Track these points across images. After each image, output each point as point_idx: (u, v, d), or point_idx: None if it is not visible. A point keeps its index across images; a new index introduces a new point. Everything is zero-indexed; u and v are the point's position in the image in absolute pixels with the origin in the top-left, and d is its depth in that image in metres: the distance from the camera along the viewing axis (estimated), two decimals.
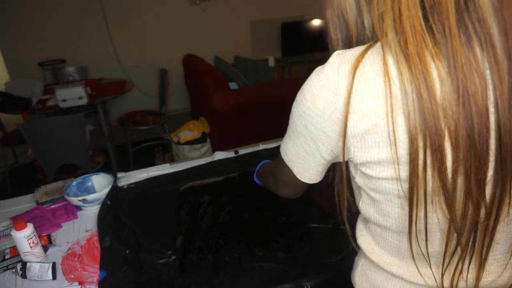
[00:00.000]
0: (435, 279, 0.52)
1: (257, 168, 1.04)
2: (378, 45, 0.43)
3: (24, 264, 0.86)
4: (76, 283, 0.84)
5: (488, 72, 0.39)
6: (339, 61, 0.45)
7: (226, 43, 4.46)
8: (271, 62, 3.76)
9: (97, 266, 0.88)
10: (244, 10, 4.49)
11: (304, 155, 0.54)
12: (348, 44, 0.51)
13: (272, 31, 4.66)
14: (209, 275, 0.83)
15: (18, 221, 0.86)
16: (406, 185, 0.44)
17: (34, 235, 0.89)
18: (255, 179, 1.04)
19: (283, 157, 0.59)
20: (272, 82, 3.53)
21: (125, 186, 1.23)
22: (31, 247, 0.88)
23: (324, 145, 0.50)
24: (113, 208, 1.10)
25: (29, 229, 0.87)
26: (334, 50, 0.48)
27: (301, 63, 4.58)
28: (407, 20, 0.40)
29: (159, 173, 1.31)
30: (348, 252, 0.88)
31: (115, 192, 1.17)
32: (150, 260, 0.89)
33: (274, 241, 0.91)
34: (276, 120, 3.03)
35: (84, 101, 2.56)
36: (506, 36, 0.39)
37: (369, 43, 0.45)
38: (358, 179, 0.52)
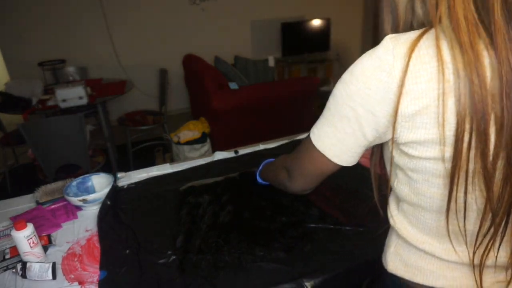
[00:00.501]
0: (468, 256, 0.54)
1: (260, 168, 1.03)
2: (432, 31, 0.46)
3: (24, 264, 0.86)
4: (76, 283, 0.84)
5: None
6: (393, 43, 0.47)
7: (226, 43, 4.46)
8: (271, 62, 3.75)
9: (97, 266, 0.88)
10: (244, 10, 4.49)
11: (344, 138, 0.54)
12: (395, 27, 0.54)
13: (272, 31, 4.66)
14: (209, 275, 0.83)
15: (18, 221, 0.86)
16: (449, 165, 0.47)
17: (34, 235, 0.88)
18: (258, 178, 1.04)
19: (315, 142, 0.58)
20: (272, 82, 3.53)
21: (125, 186, 1.23)
22: (31, 247, 0.88)
23: (369, 126, 0.51)
24: (113, 208, 1.10)
25: (29, 229, 0.87)
26: (383, 31, 0.53)
27: (301, 63, 4.58)
28: (461, 10, 0.43)
29: (159, 173, 1.31)
30: (348, 252, 0.88)
31: (115, 192, 1.17)
32: (150, 260, 0.89)
33: (274, 241, 0.91)
34: (276, 120, 3.05)
35: (84, 101, 2.56)
36: None
37: (424, 29, 0.47)
38: (398, 159, 0.54)
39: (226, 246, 0.90)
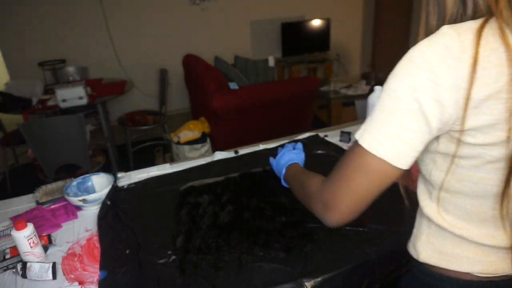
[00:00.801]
0: (506, 240, 0.57)
1: (283, 171, 1.00)
2: (492, 21, 0.48)
3: (24, 264, 0.86)
4: (76, 283, 0.84)
5: None
6: (457, 31, 0.48)
7: (226, 43, 4.46)
8: (271, 62, 3.75)
9: (97, 266, 0.88)
10: (244, 10, 4.49)
11: (407, 136, 0.51)
12: (441, 20, 0.54)
13: (272, 31, 4.66)
14: (209, 275, 0.83)
15: (18, 221, 0.86)
16: (510, 150, 0.49)
17: (34, 235, 0.89)
18: (283, 182, 1.04)
19: (371, 149, 0.53)
20: (272, 82, 3.53)
21: (125, 186, 1.23)
22: (31, 247, 0.88)
23: (435, 117, 0.50)
24: (113, 208, 1.10)
25: (29, 229, 0.87)
26: (428, 23, 0.54)
27: (301, 63, 4.58)
28: None
29: (159, 173, 1.31)
30: (348, 252, 0.88)
31: (115, 192, 1.17)
32: (150, 260, 0.89)
33: (274, 241, 0.91)
34: (276, 120, 3.04)
35: (84, 101, 2.57)
36: None
37: (484, 18, 0.49)
38: (443, 147, 0.54)
39: (226, 246, 0.90)
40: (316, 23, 4.59)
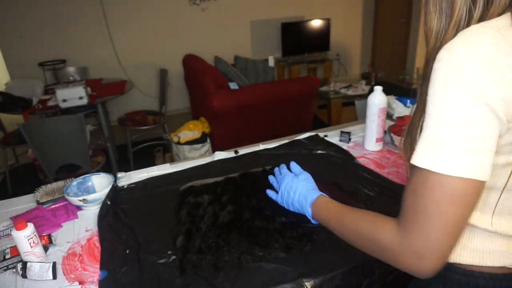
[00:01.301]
0: None
1: (310, 211, 0.82)
2: None
3: (24, 264, 0.86)
4: (77, 283, 0.84)
5: None
6: (491, 28, 0.49)
7: (226, 43, 4.46)
8: (271, 62, 3.76)
9: (98, 266, 0.89)
10: (244, 10, 4.50)
11: (484, 145, 0.48)
12: (447, 23, 0.53)
13: (272, 31, 4.67)
14: (209, 275, 0.83)
15: (19, 221, 0.86)
16: None
17: (35, 235, 0.89)
18: (313, 221, 0.85)
19: (452, 172, 0.47)
20: (272, 82, 3.53)
21: (125, 186, 1.23)
22: (31, 247, 0.88)
23: (505, 116, 0.48)
24: (113, 208, 1.10)
25: (30, 229, 0.88)
26: (428, 23, 0.54)
27: (301, 63, 4.58)
28: None
29: (159, 173, 1.32)
30: (348, 252, 0.88)
31: (115, 192, 1.17)
32: (150, 260, 0.89)
33: (274, 241, 0.91)
34: (276, 120, 3.04)
35: (84, 101, 2.57)
36: None
37: (507, 14, 0.50)
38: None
39: (226, 246, 0.90)
40: (316, 23, 4.59)
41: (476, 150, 0.47)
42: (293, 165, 0.98)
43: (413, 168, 0.52)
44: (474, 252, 0.60)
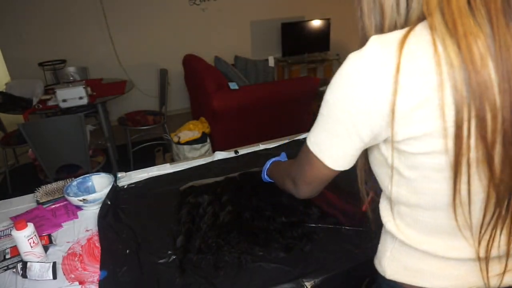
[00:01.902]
0: (470, 250, 0.54)
1: (267, 166, 1.04)
2: (419, 27, 0.47)
3: (24, 263, 0.86)
4: (77, 283, 0.84)
5: None
6: (381, 43, 0.48)
7: (226, 43, 4.46)
8: (271, 62, 3.75)
9: (98, 266, 0.89)
10: (244, 10, 4.49)
11: (340, 142, 0.55)
12: (379, 30, 0.54)
13: (272, 31, 4.66)
14: (209, 275, 0.83)
15: (19, 221, 0.86)
16: (451, 157, 0.47)
17: (35, 235, 0.89)
18: (264, 176, 1.05)
19: (312, 149, 0.59)
20: (272, 82, 3.53)
21: (125, 186, 1.24)
22: (31, 246, 0.88)
23: (364, 127, 0.51)
24: (113, 208, 1.10)
25: (30, 229, 0.88)
26: (365, 36, 0.53)
27: (301, 63, 4.58)
28: (455, 3, 0.45)
29: (159, 173, 1.32)
30: (348, 252, 0.88)
31: (115, 192, 1.17)
32: (150, 260, 0.89)
33: (274, 241, 0.91)
34: (276, 120, 3.04)
35: (84, 101, 2.57)
36: None
37: (409, 27, 0.48)
38: (391, 159, 0.54)
39: (226, 246, 0.90)
40: (316, 23, 4.59)
41: (330, 142, 0.56)
42: (283, 155, 1.12)
43: None
44: (408, 271, 0.61)
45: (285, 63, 4.60)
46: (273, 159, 1.06)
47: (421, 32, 0.47)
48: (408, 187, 0.54)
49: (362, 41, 0.53)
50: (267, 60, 3.69)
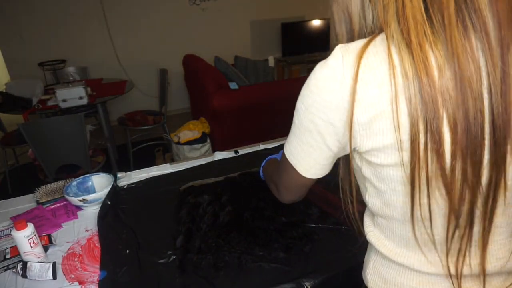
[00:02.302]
0: (442, 266, 0.53)
1: (263, 164, 1.04)
2: (380, 37, 0.46)
3: (24, 263, 0.86)
4: (77, 283, 0.84)
5: (482, 59, 0.42)
6: (343, 52, 0.47)
7: (226, 43, 4.46)
8: (271, 62, 3.75)
9: (97, 266, 0.89)
10: (244, 10, 4.49)
11: (310, 151, 0.55)
12: (351, 38, 0.54)
13: (272, 31, 4.66)
14: (209, 275, 0.83)
15: (19, 221, 0.86)
16: (408, 170, 0.46)
17: (35, 235, 0.89)
18: (261, 174, 1.05)
19: (287, 156, 0.59)
20: (272, 82, 3.53)
21: (125, 186, 1.23)
22: (31, 247, 0.88)
23: (331, 137, 0.51)
24: (113, 208, 1.10)
25: (30, 229, 0.88)
26: (337, 44, 0.50)
27: (301, 63, 4.58)
28: (410, 11, 0.43)
29: (159, 173, 1.32)
30: (348, 252, 0.88)
31: (115, 192, 1.17)
32: (150, 260, 0.89)
33: (274, 241, 0.91)
34: (276, 120, 3.03)
35: (84, 101, 2.57)
36: (500, 25, 0.42)
37: (371, 36, 0.47)
38: (364, 170, 0.53)
39: (226, 246, 0.90)
40: (316, 23, 4.59)
41: (302, 151, 0.56)
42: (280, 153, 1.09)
43: None
44: (387, 284, 0.60)
45: (285, 63, 4.60)
46: (271, 156, 1.05)
47: (381, 42, 0.45)
48: (381, 199, 0.53)
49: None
50: (267, 60, 3.69)
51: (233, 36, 4.55)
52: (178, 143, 2.66)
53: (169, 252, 0.91)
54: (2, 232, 1.03)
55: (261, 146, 1.47)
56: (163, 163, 1.40)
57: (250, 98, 2.76)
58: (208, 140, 2.74)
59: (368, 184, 0.55)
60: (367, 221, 0.63)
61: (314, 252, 0.88)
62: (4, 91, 2.73)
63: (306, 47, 4.68)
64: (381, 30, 0.47)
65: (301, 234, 0.93)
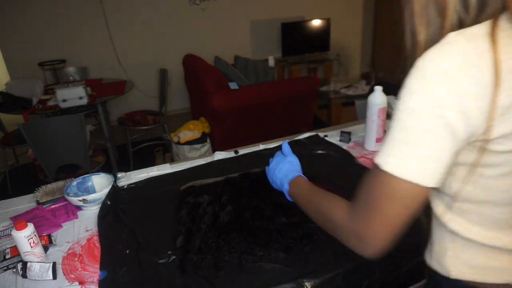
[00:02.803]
0: None
1: (286, 187, 0.90)
2: (502, 22, 0.46)
3: (24, 264, 0.86)
4: (77, 283, 0.84)
5: None
6: (467, 38, 0.46)
7: (226, 43, 4.46)
8: (271, 62, 3.76)
9: (97, 266, 0.89)
10: (244, 10, 4.50)
11: (433, 154, 0.49)
12: (433, 40, 0.50)
13: (272, 31, 4.67)
14: (209, 275, 0.83)
15: (19, 221, 0.86)
16: None
17: (35, 235, 0.89)
18: (288, 197, 0.93)
19: (397, 173, 0.50)
20: (272, 82, 3.53)
21: (125, 186, 1.23)
22: (31, 247, 0.88)
23: (462, 129, 0.47)
24: (113, 208, 1.10)
25: (30, 229, 0.87)
26: (415, 39, 0.51)
27: (301, 63, 4.58)
28: None
29: (159, 173, 1.31)
30: (348, 252, 0.88)
31: (115, 192, 1.17)
32: (150, 260, 0.89)
33: (274, 241, 0.91)
34: (276, 120, 3.04)
35: (84, 101, 2.57)
36: None
37: (490, 21, 0.46)
38: (465, 157, 0.51)
39: (226, 246, 0.90)
40: (316, 23, 4.59)
41: (423, 158, 0.49)
42: (285, 144, 1.02)
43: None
44: (475, 268, 0.59)
45: (285, 63, 4.60)
46: (285, 167, 0.94)
47: (507, 26, 0.45)
48: (478, 184, 0.53)
49: (412, 45, 0.52)
50: (267, 60, 3.70)
51: (233, 36, 4.55)
52: (178, 143, 2.66)
53: (169, 252, 0.91)
54: (2, 232, 1.03)
55: (261, 146, 1.47)
56: (163, 163, 1.40)
57: (250, 98, 2.76)
58: (208, 140, 2.74)
59: (461, 169, 0.53)
60: (439, 209, 0.60)
61: (314, 252, 0.88)
62: (4, 91, 2.73)
63: (306, 47, 4.68)
64: (492, 17, 0.46)
65: (301, 234, 0.93)
